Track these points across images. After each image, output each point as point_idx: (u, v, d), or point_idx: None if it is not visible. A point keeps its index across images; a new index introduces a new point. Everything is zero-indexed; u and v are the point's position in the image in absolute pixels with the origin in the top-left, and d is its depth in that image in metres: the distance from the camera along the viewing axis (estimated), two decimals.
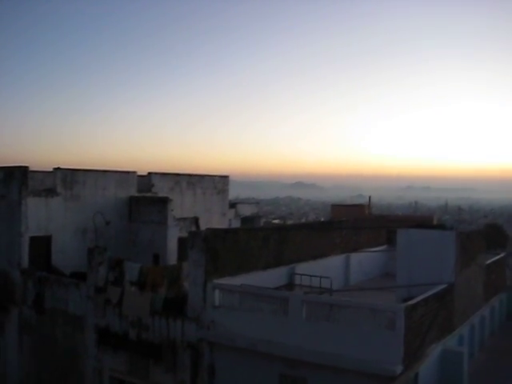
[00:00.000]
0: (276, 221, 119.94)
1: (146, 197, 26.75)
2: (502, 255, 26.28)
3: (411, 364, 14.04)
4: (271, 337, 15.43)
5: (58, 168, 24.12)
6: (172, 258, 24.56)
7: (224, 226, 29.70)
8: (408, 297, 16.17)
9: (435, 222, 39.81)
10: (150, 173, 28.45)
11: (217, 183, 31.66)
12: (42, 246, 23.11)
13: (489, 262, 22.67)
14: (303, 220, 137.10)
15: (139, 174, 27.97)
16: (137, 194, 26.86)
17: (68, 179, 24.26)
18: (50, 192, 23.70)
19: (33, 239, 22.79)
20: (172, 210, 25.39)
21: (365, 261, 25.58)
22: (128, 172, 27.22)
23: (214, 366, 16.71)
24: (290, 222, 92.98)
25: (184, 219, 26.04)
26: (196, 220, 26.55)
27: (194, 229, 24.69)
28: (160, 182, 28.33)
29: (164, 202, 25.44)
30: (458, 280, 17.68)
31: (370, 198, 39.22)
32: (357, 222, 27.51)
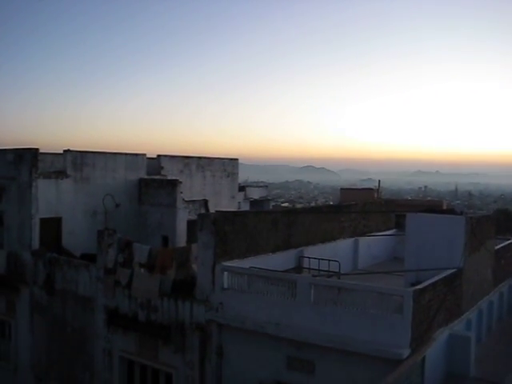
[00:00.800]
0: (285, 204, 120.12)
1: (155, 179, 26.85)
2: (511, 240, 26.18)
3: (418, 348, 14.07)
4: (279, 319, 15.53)
5: (68, 150, 24.24)
6: (181, 240, 24.71)
7: (233, 208, 29.80)
8: (416, 281, 16.18)
9: (445, 206, 39.68)
10: (159, 155, 28.53)
11: (226, 166, 31.71)
12: (52, 227, 23.31)
13: (498, 247, 22.57)
14: (312, 204, 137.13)
15: (149, 156, 28.05)
16: (146, 177, 26.97)
17: (78, 161, 24.38)
18: (60, 174, 23.85)
19: (43, 221, 22.99)
20: (181, 193, 25.50)
21: (373, 245, 25.56)
22: (137, 154, 27.30)
23: (222, 348, 16.85)
24: (299, 206, 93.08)
25: (193, 202, 26.15)
26: (205, 202, 26.64)
27: (203, 211, 24.79)
28: (169, 164, 28.42)
29: (173, 184, 25.54)
30: (467, 265, 17.65)
31: (379, 182, 39.08)
32: (366, 205, 27.47)
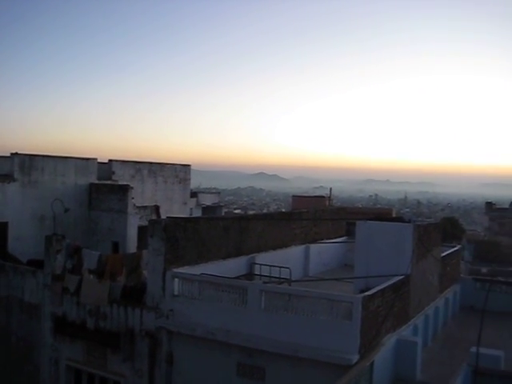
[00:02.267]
0: (237, 211, 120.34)
1: (106, 184, 26.48)
2: (457, 248, 26.92)
3: (367, 353, 14.29)
4: (230, 326, 15.52)
5: (16, 153, 23.66)
6: (132, 246, 24.43)
7: (185, 214, 29.67)
8: (365, 288, 16.42)
9: (394, 214, 40.48)
10: (110, 160, 28.16)
11: (178, 172, 31.56)
12: None
13: (444, 254, 23.18)
14: (264, 210, 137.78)
15: (99, 161, 27.64)
16: (97, 182, 26.58)
17: (26, 165, 23.84)
18: (7, 178, 23.24)
19: None
20: (132, 198, 25.24)
21: (324, 252, 25.83)
22: (88, 159, 26.89)
23: (173, 355, 16.70)
24: (251, 213, 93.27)
25: (144, 207, 25.91)
26: (157, 208, 26.43)
27: (154, 217, 24.59)
28: (121, 169, 28.09)
29: (124, 189, 25.25)
30: (414, 272, 18.04)
31: (330, 189, 39.60)
32: (317, 213, 27.76)
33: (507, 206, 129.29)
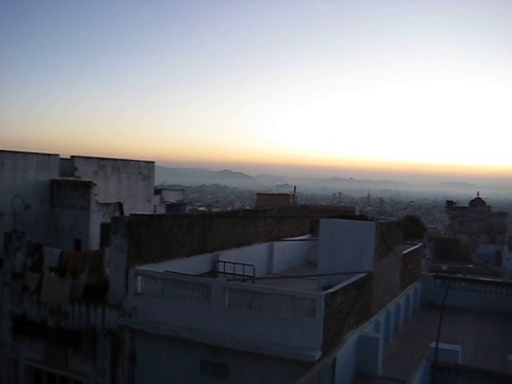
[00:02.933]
0: (202, 208, 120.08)
1: (68, 181, 26.05)
2: (418, 245, 27.40)
3: (330, 350, 14.43)
4: (193, 324, 15.48)
5: None
6: (94, 243, 24.13)
7: (149, 212, 29.41)
8: (328, 285, 16.59)
9: (357, 212, 41.00)
10: (73, 156, 27.71)
11: (142, 169, 31.25)
12: None
13: (406, 252, 23.57)
14: (229, 208, 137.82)
15: (62, 157, 27.19)
16: (59, 178, 26.13)
17: None
18: None
19: None
20: (95, 195, 24.91)
21: (288, 249, 25.97)
22: (50, 155, 26.41)
23: (135, 354, 16.58)
24: (215, 210, 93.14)
25: (108, 204, 25.60)
26: (120, 205, 26.15)
27: (117, 214, 24.33)
28: (83, 165, 27.66)
29: (87, 186, 24.90)
30: (377, 269, 18.30)
31: (295, 187, 39.87)
32: (281, 211, 27.87)
33: (467, 205, 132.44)
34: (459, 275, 35.28)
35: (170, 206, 35.34)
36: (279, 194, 44.94)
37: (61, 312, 17.90)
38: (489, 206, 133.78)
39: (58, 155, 26.73)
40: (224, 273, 19.93)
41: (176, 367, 15.91)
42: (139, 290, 16.54)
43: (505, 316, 24.20)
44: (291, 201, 36.55)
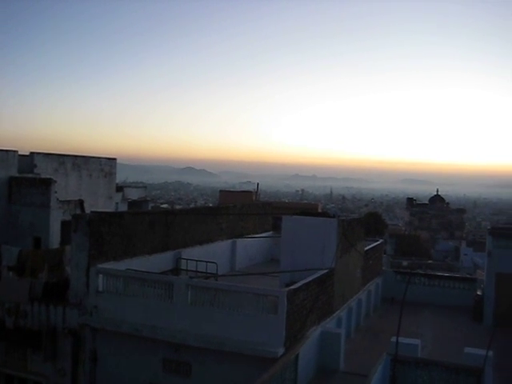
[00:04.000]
0: (164, 205, 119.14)
1: (27, 178, 25.56)
2: (379, 242, 27.80)
3: (292, 346, 14.54)
4: (156, 322, 15.38)
5: None
6: (55, 241, 23.74)
7: (110, 209, 29.09)
8: (291, 282, 16.69)
9: (320, 209, 41.32)
10: (32, 152, 27.18)
11: (104, 166, 30.89)
12: None
13: (367, 248, 23.88)
14: (192, 205, 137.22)
15: (21, 153, 26.63)
16: (18, 175, 25.60)
17: None
18: None
19: None
20: (55, 192, 24.51)
21: (251, 246, 26.03)
22: (8, 151, 25.84)
23: (97, 353, 16.38)
24: (178, 207, 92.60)
25: (68, 202, 25.22)
26: (81, 203, 25.80)
27: (78, 212, 23.98)
28: (43, 162, 27.17)
29: (47, 183, 24.49)
30: (338, 265, 18.49)
31: (258, 184, 39.99)
32: (244, 208, 27.91)
33: (427, 202, 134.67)
34: (419, 271, 35.85)
35: (132, 204, 35.02)
36: (242, 191, 44.98)
37: (19, 312, 17.53)
38: (448, 203, 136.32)
39: (16, 151, 26.19)
40: (187, 270, 19.86)
41: (138, 366, 15.78)
42: (100, 289, 16.34)
43: (462, 310, 24.77)
44: (254, 198, 36.63)
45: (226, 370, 14.67)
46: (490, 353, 13.25)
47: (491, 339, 12.90)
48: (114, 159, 32.35)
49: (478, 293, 25.45)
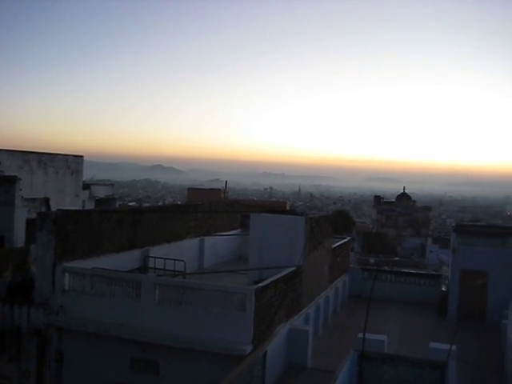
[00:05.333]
0: (132, 203, 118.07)
1: None
2: (347, 239, 28.07)
3: (260, 343, 14.59)
4: (123, 321, 15.26)
5: None
6: (19, 240, 23.30)
7: (77, 207, 28.72)
8: (259, 279, 16.73)
9: (288, 207, 41.50)
10: None
11: (70, 163, 30.47)
12: None
13: (335, 245, 24.08)
14: (160, 203, 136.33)
15: None
16: None
17: None
18: None
19: None
20: (20, 190, 24.06)
21: (219, 244, 26.00)
22: None
23: (63, 353, 16.17)
24: (146, 205, 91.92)
25: (33, 200, 24.81)
26: (46, 201, 25.43)
27: (44, 210, 23.62)
28: (7, 159, 26.66)
29: (11, 181, 24.01)
30: (306, 263, 18.60)
31: (226, 182, 39.96)
32: (212, 205, 27.86)
33: (393, 200, 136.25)
34: (386, 268, 36.41)
35: (100, 201, 34.64)
36: (210, 189, 44.92)
37: None
38: (414, 201, 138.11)
39: None
40: (154, 268, 19.75)
41: (105, 365, 15.64)
42: (67, 288, 16.15)
43: (428, 306, 25.19)
44: (222, 196, 36.61)
45: (194, 368, 14.66)
46: (454, 347, 13.48)
47: (455, 334, 13.13)
48: (81, 156, 31.96)
49: (443, 289, 25.92)
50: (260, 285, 15.06)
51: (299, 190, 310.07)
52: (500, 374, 17.41)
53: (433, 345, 15.70)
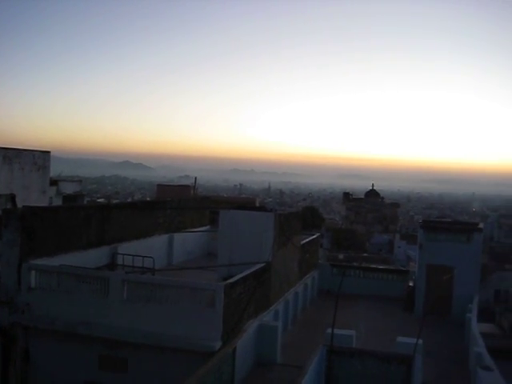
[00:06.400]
0: (101, 200, 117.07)
1: None
2: (316, 235, 28.25)
3: (230, 339, 14.61)
4: (91, 318, 15.11)
5: None
6: None
7: (44, 204, 28.28)
8: (228, 276, 16.75)
9: (258, 204, 41.60)
10: None
11: (37, 159, 29.96)
12: None
13: (304, 242, 24.22)
14: (129, 199, 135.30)
15: None
16: None
17: None
18: None
19: None
20: None
21: (188, 241, 25.90)
22: None
23: (29, 352, 15.94)
24: (115, 202, 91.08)
25: None
26: (12, 197, 25.00)
27: (9, 206, 23.22)
28: None
29: None
30: (275, 259, 18.68)
31: (195, 178, 39.82)
32: (181, 202, 27.74)
33: (362, 196, 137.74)
34: (355, 264, 36.74)
35: (67, 198, 34.17)
36: (180, 186, 44.69)
37: None
38: (382, 198, 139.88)
39: None
40: (123, 265, 19.56)
41: (73, 364, 15.45)
42: (33, 285, 15.92)
43: (395, 301, 25.54)
44: (192, 192, 36.48)
45: (163, 365, 14.60)
46: (420, 341, 13.72)
47: (421, 328, 13.36)
48: (48, 152, 31.45)
49: (410, 284, 26.32)
50: (229, 281, 15.08)
51: (269, 186, 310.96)
52: (464, 367, 17.79)
53: (400, 339, 15.95)
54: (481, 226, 26.45)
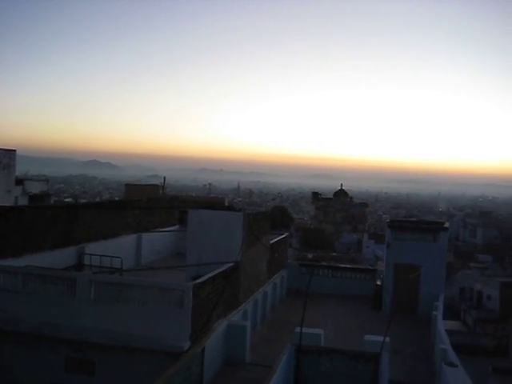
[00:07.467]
0: (68, 199, 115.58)
1: None
2: (285, 235, 28.35)
3: (198, 339, 14.57)
4: (58, 320, 14.88)
5: None
6: None
7: (9, 203, 27.81)
8: (197, 275, 16.69)
9: (227, 203, 41.58)
10: None
11: (1, 157, 29.48)
12: None
13: (273, 241, 24.29)
14: (97, 199, 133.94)
15: None
16: None
17: None
18: None
19: None
20: None
21: (157, 240, 25.77)
22: None
23: None
24: (82, 201, 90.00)
25: None
26: None
27: None
28: None
29: None
30: (244, 259, 18.69)
31: (164, 178, 39.56)
32: (150, 201, 27.58)
33: (331, 196, 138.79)
34: (323, 263, 37.03)
35: (34, 198, 33.70)
36: (148, 185, 44.38)
37: None
38: (351, 198, 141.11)
39: None
40: (90, 266, 19.37)
41: (39, 366, 15.20)
42: None
43: (363, 299, 25.81)
44: (160, 192, 36.24)
45: (131, 366, 14.47)
46: (388, 339, 13.87)
47: (388, 326, 13.51)
48: (14, 150, 30.96)
49: (378, 283, 26.62)
50: (198, 281, 15.03)
51: (238, 186, 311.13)
52: (430, 363, 18.07)
53: (367, 337, 16.12)
54: (447, 225, 26.89)
